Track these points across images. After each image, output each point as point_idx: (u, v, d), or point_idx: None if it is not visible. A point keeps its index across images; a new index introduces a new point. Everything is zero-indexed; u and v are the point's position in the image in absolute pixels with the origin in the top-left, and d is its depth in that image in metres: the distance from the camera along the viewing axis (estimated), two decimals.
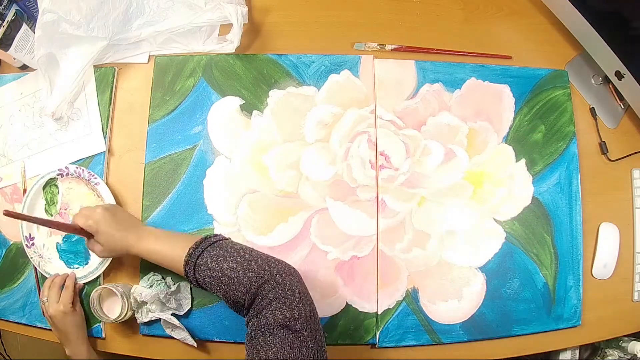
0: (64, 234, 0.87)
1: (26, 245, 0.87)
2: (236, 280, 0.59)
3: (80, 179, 0.86)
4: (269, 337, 0.54)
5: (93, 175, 0.85)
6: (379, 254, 0.85)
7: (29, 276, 0.88)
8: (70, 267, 0.86)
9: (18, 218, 0.69)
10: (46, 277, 0.86)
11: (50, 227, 0.75)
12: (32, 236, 0.88)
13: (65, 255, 0.87)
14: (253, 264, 0.59)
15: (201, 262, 0.62)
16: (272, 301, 0.56)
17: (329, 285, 0.84)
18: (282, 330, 0.54)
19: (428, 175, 0.88)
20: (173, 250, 0.66)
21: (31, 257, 0.86)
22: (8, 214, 0.64)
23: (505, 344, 0.85)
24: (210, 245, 0.63)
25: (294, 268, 0.61)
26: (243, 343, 0.81)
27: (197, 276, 0.63)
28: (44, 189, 0.88)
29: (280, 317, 0.54)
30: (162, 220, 0.86)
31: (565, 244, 0.87)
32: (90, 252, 0.78)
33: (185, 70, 0.90)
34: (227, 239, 0.66)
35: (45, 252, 0.87)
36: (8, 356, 1.37)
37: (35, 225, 0.88)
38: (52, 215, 0.88)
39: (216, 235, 0.66)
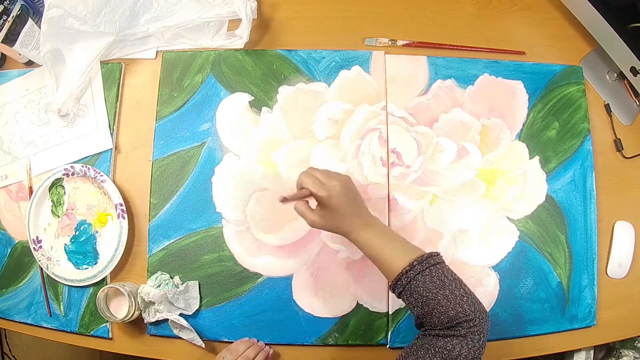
0: (70, 235, 0.86)
1: (34, 248, 0.86)
2: (444, 309, 0.59)
3: (87, 178, 0.85)
4: (436, 358, 0.57)
5: (99, 173, 0.84)
6: None
7: (34, 276, 0.87)
8: (79, 268, 0.85)
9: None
10: (54, 280, 0.85)
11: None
12: (39, 239, 0.87)
13: (74, 257, 0.86)
14: (466, 299, 0.60)
15: (420, 279, 0.61)
16: (462, 336, 0.58)
17: (340, 285, 0.83)
18: None
19: (440, 173, 0.86)
20: (394, 253, 0.65)
21: (39, 260, 0.86)
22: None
23: (519, 344, 0.84)
24: (434, 265, 0.62)
25: (488, 316, 0.62)
26: None
27: (407, 288, 0.62)
28: (49, 190, 0.87)
29: (458, 351, 0.57)
30: (170, 218, 0.85)
31: (579, 242, 0.86)
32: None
33: (194, 66, 0.89)
34: (444, 263, 0.65)
35: (53, 254, 0.86)
36: (13, 356, 1.36)
37: (42, 227, 0.87)
38: (59, 217, 0.87)
39: (437, 254, 0.65)
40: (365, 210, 0.70)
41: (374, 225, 0.68)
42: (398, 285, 0.63)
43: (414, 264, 0.62)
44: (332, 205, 0.66)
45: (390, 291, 0.66)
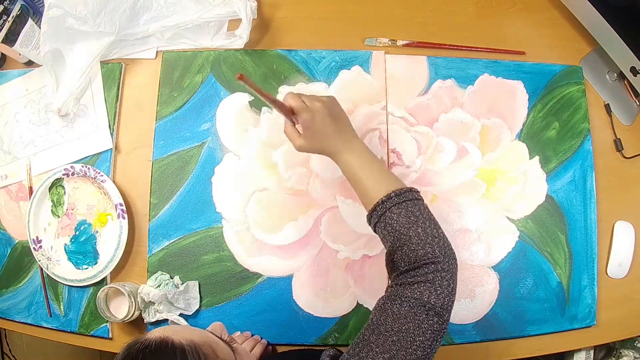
0: (70, 235, 0.86)
1: (34, 248, 0.86)
2: (414, 246, 0.58)
3: (87, 178, 0.85)
4: (404, 308, 0.56)
5: (99, 173, 0.84)
6: None
7: (34, 275, 0.87)
8: (79, 268, 0.85)
9: (250, 85, 0.61)
10: (54, 280, 0.85)
11: (267, 101, 0.64)
12: (39, 239, 0.86)
13: (74, 257, 0.86)
14: (437, 240, 0.59)
15: (395, 211, 0.60)
16: (429, 282, 0.57)
17: (340, 285, 0.83)
18: (420, 309, 0.55)
19: (440, 173, 0.86)
20: (374, 181, 0.64)
21: (39, 260, 0.86)
22: (241, 77, 0.59)
23: (519, 344, 0.84)
24: (411, 200, 0.61)
25: (456, 262, 0.60)
26: None
27: (382, 219, 0.61)
28: (49, 190, 0.87)
29: (427, 297, 0.55)
30: (170, 218, 0.85)
31: (579, 242, 0.86)
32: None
33: (194, 66, 0.89)
34: (423, 200, 0.63)
35: (54, 254, 0.86)
36: (13, 356, 1.36)
37: (42, 227, 0.87)
38: (59, 217, 0.87)
39: (417, 191, 0.63)
40: (349, 130, 0.69)
41: (357, 148, 0.67)
42: (374, 215, 0.62)
43: (392, 195, 0.61)
44: (315, 126, 0.66)
45: (367, 223, 0.65)
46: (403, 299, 0.56)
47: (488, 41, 0.92)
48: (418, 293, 0.56)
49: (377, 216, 0.62)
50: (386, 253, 0.62)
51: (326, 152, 0.68)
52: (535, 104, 0.89)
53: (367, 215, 0.65)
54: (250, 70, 0.88)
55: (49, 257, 0.86)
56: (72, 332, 0.85)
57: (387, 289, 0.61)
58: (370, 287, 0.83)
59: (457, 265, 0.60)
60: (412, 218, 0.60)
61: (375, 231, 0.64)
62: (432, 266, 0.57)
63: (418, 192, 0.63)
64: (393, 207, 0.61)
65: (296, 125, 0.69)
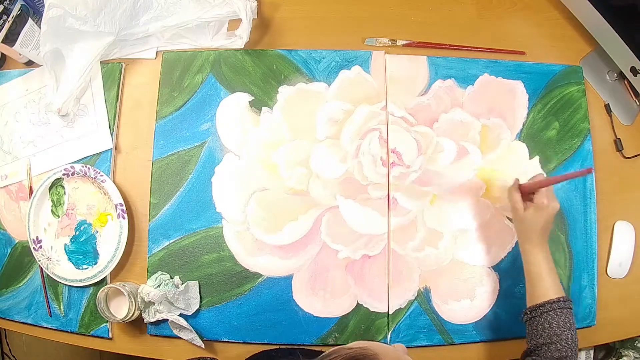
0: (70, 235, 0.86)
1: (34, 248, 0.86)
2: (562, 346, 0.68)
3: (87, 178, 0.85)
4: None
5: (99, 173, 0.84)
6: (390, 253, 0.84)
7: (34, 275, 0.87)
8: (79, 268, 0.85)
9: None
10: (54, 280, 0.85)
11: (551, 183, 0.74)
12: (39, 239, 0.86)
13: (74, 257, 0.86)
14: (576, 346, 0.69)
15: (559, 313, 0.70)
16: None
17: (340, 285, 0.83)
18: None
19: (440, 173, 0.86)
20: (551, 281, 0.72)
21: (39, 260, 0.85)
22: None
23: (519, 344, 0.83)
24: (570, 308, 0.71)
25: None
26: (251, 343, 0.82)
27: (545, 315, 0.70)
28: (49, 190, 0.87)
29: None
30: (170, 218, 0.85)
31: (579, 242, 0.86)
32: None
33: (194, 66, 0.89)
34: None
35: (53, 254, 0.86)
36: (13, 356, 1.36)
37: (42, 227, 0.87)
38: (59, 217, 0.87)
39: (571, 299, 0.72)
40: (547, 234, 0.76)
41: (546, 249, 0.75)
42: (540, 308, 0.70)
43: (561, 299, 0.70)
44: (544, 216, 0.73)
45: (524, 312, 0.72)
46: None
47: (488, 41, 0.92)
48: None
49: (541, 312, 0.70)
50: (529, 347, 0.71)
51: (529, 237, 0.74)
52: (535, 104, 0.89)
53: (528, 308, 0.72)
54: (250, 70, 0.88)
55: (49, 257, 0.86)
56: (72, 332, 0.85)
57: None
58: (370, 287, 0.83)
59: None
60: (568, 324, 0.69)
61: (528, 321, 0.72)
62: None
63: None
64: (557, 310, 0.70)
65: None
